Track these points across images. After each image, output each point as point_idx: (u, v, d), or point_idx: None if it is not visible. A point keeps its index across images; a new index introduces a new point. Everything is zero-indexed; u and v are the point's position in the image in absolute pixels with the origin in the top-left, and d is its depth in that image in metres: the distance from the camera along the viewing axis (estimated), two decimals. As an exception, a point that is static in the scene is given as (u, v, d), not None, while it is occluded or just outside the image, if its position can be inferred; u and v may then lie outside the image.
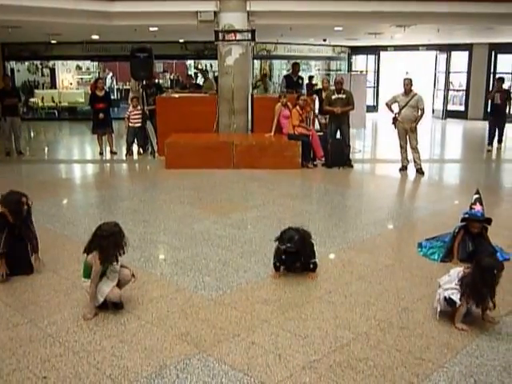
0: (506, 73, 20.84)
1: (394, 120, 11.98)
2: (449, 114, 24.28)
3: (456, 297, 4.68)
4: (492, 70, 23.47)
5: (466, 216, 6.08)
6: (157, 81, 18.54)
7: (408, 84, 11.78)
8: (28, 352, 4.30)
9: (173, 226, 7.80)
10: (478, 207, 6.02)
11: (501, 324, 4.84)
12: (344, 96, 12.28)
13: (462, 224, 6.29)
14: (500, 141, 15.62)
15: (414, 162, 11.93)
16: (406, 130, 11.86)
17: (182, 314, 4.96)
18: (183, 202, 9.17)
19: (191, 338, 4.53)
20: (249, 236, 7.32)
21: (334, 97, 12.30)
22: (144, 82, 13.78)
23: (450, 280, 4.81)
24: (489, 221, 6.08)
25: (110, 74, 23.90)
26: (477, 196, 6.16)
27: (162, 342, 4.44)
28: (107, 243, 4.78)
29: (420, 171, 11.83)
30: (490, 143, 15.44)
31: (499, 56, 23.60)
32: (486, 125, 17.05)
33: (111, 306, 4.99)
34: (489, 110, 17.36)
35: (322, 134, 12.86)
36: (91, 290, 4.85)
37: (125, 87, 23.33)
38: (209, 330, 4.65)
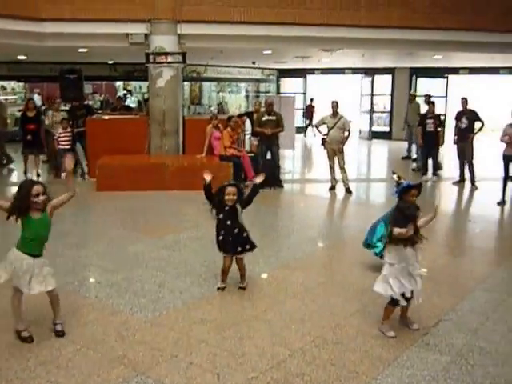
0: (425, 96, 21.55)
1: (323, 141, 12.32)
2: (374, 135, 25.00)
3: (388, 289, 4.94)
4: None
5: (405, 187, 5.94)
6: (87, 102, 18.36)
7: (335, 106, 12.18)
8: (-41, 382, 4.20)
9: (106, 248, 7.74)
10: (404, 180, 6.11)
11: (429, 335, 5.04)
12: (274, 118, 12.54)
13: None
14: (435, 173, 14.42)
15: (343, 181, 12.28)
16: (335, 151, 12.21)
17: (119, 336, 4.94)
18: (116, 225, 9.11)
19: (129, 360, 4.51)
20: (183, 257, 7.36)
21: (264, 118, 12.56)
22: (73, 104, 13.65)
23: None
24: (421, 185, 6.11)
25: (36, 94, 23.32)
26: (396, 174, 6.21)
27: (99, 366, 4.40)
28: (16, 197, 4.73)
29: (348, 190, 12.20)
30: (425, 173, 14.18)
31: (419, 79, 24.74)
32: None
33: (53, 334, 4.93)
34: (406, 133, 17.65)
35: (252, 155, 13.03)
36: None
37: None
38: (146, 352, 4.65)
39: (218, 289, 6.12)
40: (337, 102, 12.28)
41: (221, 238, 6.01)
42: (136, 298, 5.85)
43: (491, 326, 5.32)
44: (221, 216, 5.99)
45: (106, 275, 6.64)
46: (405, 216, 4.91)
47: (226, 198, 5.94)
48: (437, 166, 14.29)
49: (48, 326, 5.05)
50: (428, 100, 14.99)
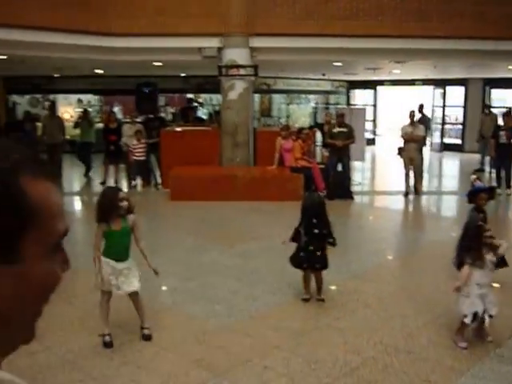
0: (499, 107, 21.06)
1: (400, 150, 13.07)
2: (445, 147, 24.54)
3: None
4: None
5: (475, 189, 5.79)
6: (161, 114, 18.92)
7: (413, 115, 12.96)
8: (47, 378, 4.45)
9: (181, 256, 7.98)
10: (479, 183, 6.00)
11: (503, 348, 5.01)
12: (345, 129, 12.65)
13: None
14: (509, 186, 13.66)
15: (415, 185, 13.15)
16: (412, 159, 12.80)
17: (196, 340, 5.12)
18: (189, 233, 9.35)
19: (206, 363, 4.68)
20: (256, 265, 7.51)
21: (335, 130, 12.68)
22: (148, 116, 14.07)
23: None
24: (493, 189, 5.98)
25: (119, 107, 23.88)
26: (475, 175, 6.12)
27: (178, 368, 4.60)
28: (101, 202, 5.04)
29: (417, 192, 13.07)
30: (498, 186, 13.36)
31: (492, 91, 24.09)
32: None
33: (140, 338, 5.15)
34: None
35: (323, 166, 13.12)
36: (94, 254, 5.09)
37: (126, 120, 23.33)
38: (222, 356, 4.81)
39: (303, 299, 6.17)
40: (414, 112, 13.13)
41: (302, 254, 6.07)
42: (211, 305, 6.04)
43: None
44: (306, 238, 6.05)
45: (182, 282, 6.86)
46: (471, 235, 4.91)
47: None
48: (509, 179, 13.82)
49: (129, 328, 5.30)
50: (506, 112, 14.81)
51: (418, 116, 15.63)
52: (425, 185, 14.42)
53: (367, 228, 10.71)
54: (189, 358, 4.77)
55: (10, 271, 0.79)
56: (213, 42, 13.28)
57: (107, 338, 5.04)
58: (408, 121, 13.12)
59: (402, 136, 13.16)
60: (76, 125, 16.80)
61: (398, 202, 12.70)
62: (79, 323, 5.56)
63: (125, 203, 4.94)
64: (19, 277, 0.81)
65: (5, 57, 13.28)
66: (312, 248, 5.98)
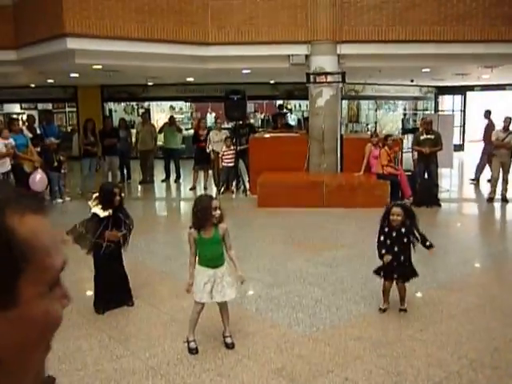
0: None
1: (491, 156, 13.05)
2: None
3: None
4: None
5: None
6: (250, 121, 19.18)
7: (507, 121, 12.79)
8: (132, 383, 4.59)
9: (266, 263, 8.04)
10: None
11: None
12: (433, 137, 12.55)
13: None
14: None
15: (502, 191, 12.87)
16: (504, 164, 12.69)
17: (277, 349, 5.16)
18: (276, 240, 9.41)
19: (287, 373, 4.70)
20: (340, 274, 7.48)
21: (422, 137, 12.61)
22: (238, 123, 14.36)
23: None
24: None
25: (213, 114, 24.40)
26: None
27: (259, 377, 4.63)
28: (196, 210, 5.10)
29: (504, 199, 12.79)
30: None
31: None
32: None
33: (223, 345, 5.23)
34: None
35: (410, 173, 12.98)
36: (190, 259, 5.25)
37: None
38: (303, 366, 4.83)
39: (380, 310, 6.13)
40: (510, 118, 12.89)
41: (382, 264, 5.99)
42: (294, 313, 6.08)
43: None
44: (388, 242, 5.97)
45: (266, 289, 6.92)
46: None
47: (391, 218, 5.92)
48: None
49: (211, 334, 5.41)
50: None
51: (484, 122, 16.05)
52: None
53: (454, 236, 10.45)
54: (270, 367, 4.81)
55: (6, 316, 0.74)
56: (301, 50, 13.38)
57: (193, 345, 5.14)
58: (502, 126, 12.94)
59: (494, 141, 12.89)
60: (161, 130, 17.22)
61: (486, 210, 12.43)
62: (163, 328, 5.70)
63: (218, 212, 5.05)
64: (17, 321, 0.76)
65: (100, 66, 13.80)
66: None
